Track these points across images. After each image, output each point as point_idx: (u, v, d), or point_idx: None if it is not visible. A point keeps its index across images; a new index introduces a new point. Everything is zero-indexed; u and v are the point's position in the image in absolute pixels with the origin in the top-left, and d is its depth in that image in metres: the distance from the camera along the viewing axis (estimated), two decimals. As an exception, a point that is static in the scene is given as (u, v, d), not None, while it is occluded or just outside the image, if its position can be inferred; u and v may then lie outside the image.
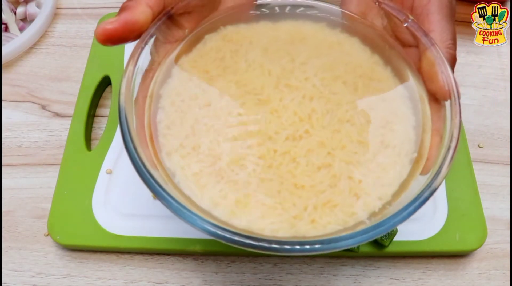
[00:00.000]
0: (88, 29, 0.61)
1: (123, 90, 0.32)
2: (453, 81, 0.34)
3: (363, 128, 0.35)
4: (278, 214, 0.32)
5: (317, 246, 0.28)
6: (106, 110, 0.54)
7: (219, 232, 0.28)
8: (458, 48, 0.59)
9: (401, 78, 0.38)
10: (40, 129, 0.53)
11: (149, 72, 0.36)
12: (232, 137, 0.34)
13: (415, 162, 0.34)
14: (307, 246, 0.28)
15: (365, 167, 0.34)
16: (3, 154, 0.51)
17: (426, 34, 0.36)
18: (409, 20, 0.37)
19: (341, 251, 0.43)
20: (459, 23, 0.57)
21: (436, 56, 0.35)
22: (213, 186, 0.33)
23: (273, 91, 0.36)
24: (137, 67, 0.34)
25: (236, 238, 0.28)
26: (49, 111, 0.54)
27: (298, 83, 0.37)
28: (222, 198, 0.32)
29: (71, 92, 0.55)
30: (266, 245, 0.28)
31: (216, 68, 0.38)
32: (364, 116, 0.36)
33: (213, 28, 0.40)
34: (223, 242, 0.29)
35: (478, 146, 0.51)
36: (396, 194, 0.33)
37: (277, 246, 0.28)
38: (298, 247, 0.28)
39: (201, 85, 0.37)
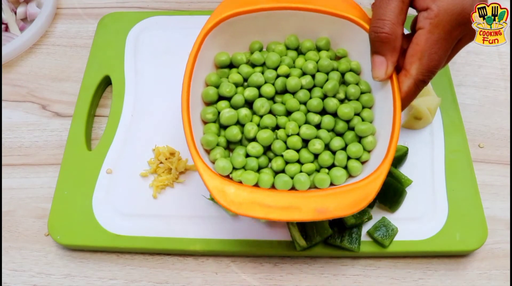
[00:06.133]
0: (88, 29, 0.61)
1: None
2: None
3: None
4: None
5: None
6: (106, 110, 0.54)
7: None
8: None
9: None
10: (41, 129, 0.53)
11: None
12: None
13: None
14: None
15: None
16: (3, 154, 0.51)
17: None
18: None
19: (341, 250, 0.43)
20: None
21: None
22: None
23: None
24: None
25: None
26: (50, 111, 0.54)
27: None
28: None
29: (72, 92, 0.55)
30: None
31: None
32: None
33: None
34: None
35: (479, 146, 0.51)
36: None
37: None
38: None
39: None
